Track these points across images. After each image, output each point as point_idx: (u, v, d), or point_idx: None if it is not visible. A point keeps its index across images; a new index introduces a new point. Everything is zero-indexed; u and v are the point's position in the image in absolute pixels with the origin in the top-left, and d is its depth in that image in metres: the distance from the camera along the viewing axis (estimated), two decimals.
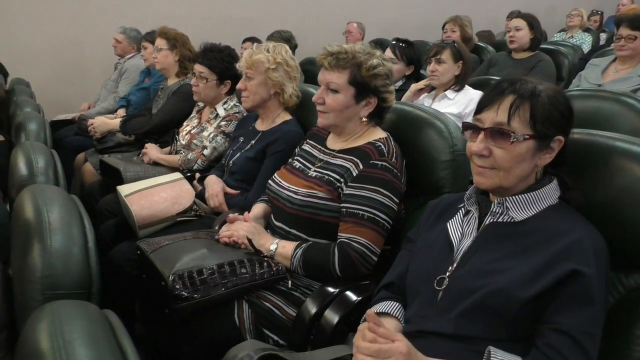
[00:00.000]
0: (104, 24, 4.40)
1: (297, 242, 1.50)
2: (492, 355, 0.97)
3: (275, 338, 1.45)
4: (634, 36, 2.81)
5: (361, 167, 1.49)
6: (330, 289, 1.41)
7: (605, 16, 6.49)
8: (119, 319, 0.78)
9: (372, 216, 1.44)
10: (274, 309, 1.46)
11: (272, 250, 1.50)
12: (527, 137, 1.05)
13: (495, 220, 1.12)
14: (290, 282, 1.48)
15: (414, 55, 2.96)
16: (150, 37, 3.41)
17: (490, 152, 1.07)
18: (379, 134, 1.58)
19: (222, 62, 2.37)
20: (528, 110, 1.05)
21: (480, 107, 1.11)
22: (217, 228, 1.72)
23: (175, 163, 2.43)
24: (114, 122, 3.15)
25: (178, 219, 2.00)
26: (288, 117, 2.09)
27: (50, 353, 0.65)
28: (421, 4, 6.52)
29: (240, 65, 2.08)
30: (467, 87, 2.63)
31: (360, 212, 1.44)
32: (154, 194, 1.99)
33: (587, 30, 5.62)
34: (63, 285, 1.04)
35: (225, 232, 1.57)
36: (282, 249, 1.50)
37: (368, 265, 1.42)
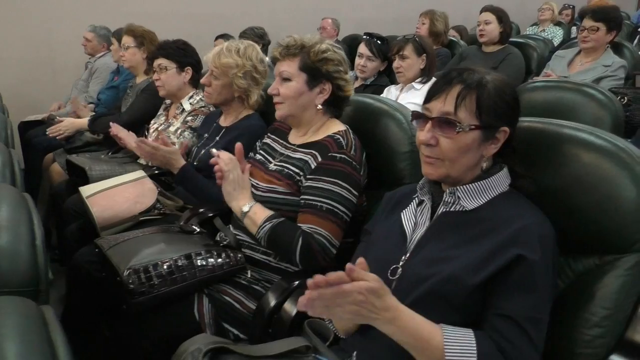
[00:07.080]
0: (74, 22, 4.33)
1: (269, 215, 1.47)
2: (443, 327, 0.97)
3: (236, 332, 1.44)
4: (597, 27, 2.85)
5: (319, 159, 1.49)
6: (291, 281, 1.40)
7: (577, 10, 6.59)
8: (54, 314, 0.77)
9: (331, 208, 1.43)
10: (234, 302, 1.45)
11: (244, 211, 1.49)
12: (473, 127, 1.06)
13: (447, 209, 1.12)
14: (249, 272, 1.47)
15: (388, 51, 2.95)
16: (119, 34, 3.37)
17: (437, 142, 1.08)
18: (338, 126, 1.58)
19: (177, 50, 2.40)
20: (474, 100, 1.06)
21: (429, 96, 1.11)
22: (182, 223, 1.70)
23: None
24: (82, 121, 3.11)
25: (141, 219, 1.97)
26: (250, 111, 2.09)
27: None
28: (396, 0, 6.54)
29: (207, 59, 2.05)
30: (434, 79, 2.64)
31: (319, 204, 1.43)
32: (116, 194, 1.96)
33: (558, 24, 5.71)
34: (10, 284, 1.02)
35: (225, 161, 1.54)
36: (253, 214, 1.48)
37: (327, 258, 1.42)
